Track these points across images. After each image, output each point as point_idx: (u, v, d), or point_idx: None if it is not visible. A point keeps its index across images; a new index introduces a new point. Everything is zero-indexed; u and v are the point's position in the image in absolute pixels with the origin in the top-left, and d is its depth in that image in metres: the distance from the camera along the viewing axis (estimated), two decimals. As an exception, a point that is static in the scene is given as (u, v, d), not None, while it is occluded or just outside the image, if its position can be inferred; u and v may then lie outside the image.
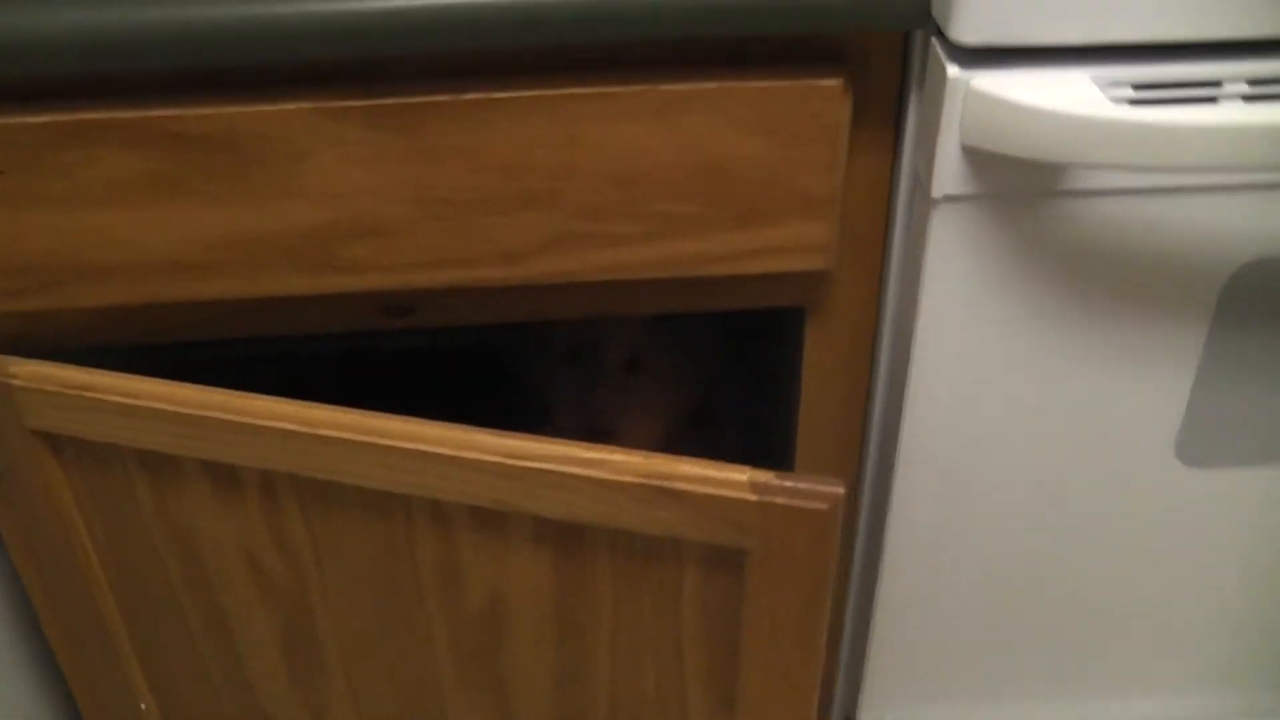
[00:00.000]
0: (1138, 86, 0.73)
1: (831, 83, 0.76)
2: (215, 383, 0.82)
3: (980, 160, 0.75)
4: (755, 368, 1.18)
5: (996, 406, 0.86)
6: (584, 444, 0.77)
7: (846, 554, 1.00)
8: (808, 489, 0.73)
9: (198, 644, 0.93)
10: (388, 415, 0.79)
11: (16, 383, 0.80)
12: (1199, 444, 0.89)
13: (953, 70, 0.73)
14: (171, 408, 0.80)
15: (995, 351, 0.83)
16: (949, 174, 0.76)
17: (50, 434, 0.83)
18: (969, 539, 0.92)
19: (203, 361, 0.97)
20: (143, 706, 0.98)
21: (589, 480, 0.76)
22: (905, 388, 0.85)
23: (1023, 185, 0.76)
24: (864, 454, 0.94)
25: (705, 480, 0.75)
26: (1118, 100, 0.73)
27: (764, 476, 0.74)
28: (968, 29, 0.71)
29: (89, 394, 0.80)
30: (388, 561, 0.85)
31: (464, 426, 0.79)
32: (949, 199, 0.77)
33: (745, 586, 0.77)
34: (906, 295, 0.84)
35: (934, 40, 0.74)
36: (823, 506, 0.73)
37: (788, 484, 0.74)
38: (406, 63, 0.75)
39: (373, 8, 0.70)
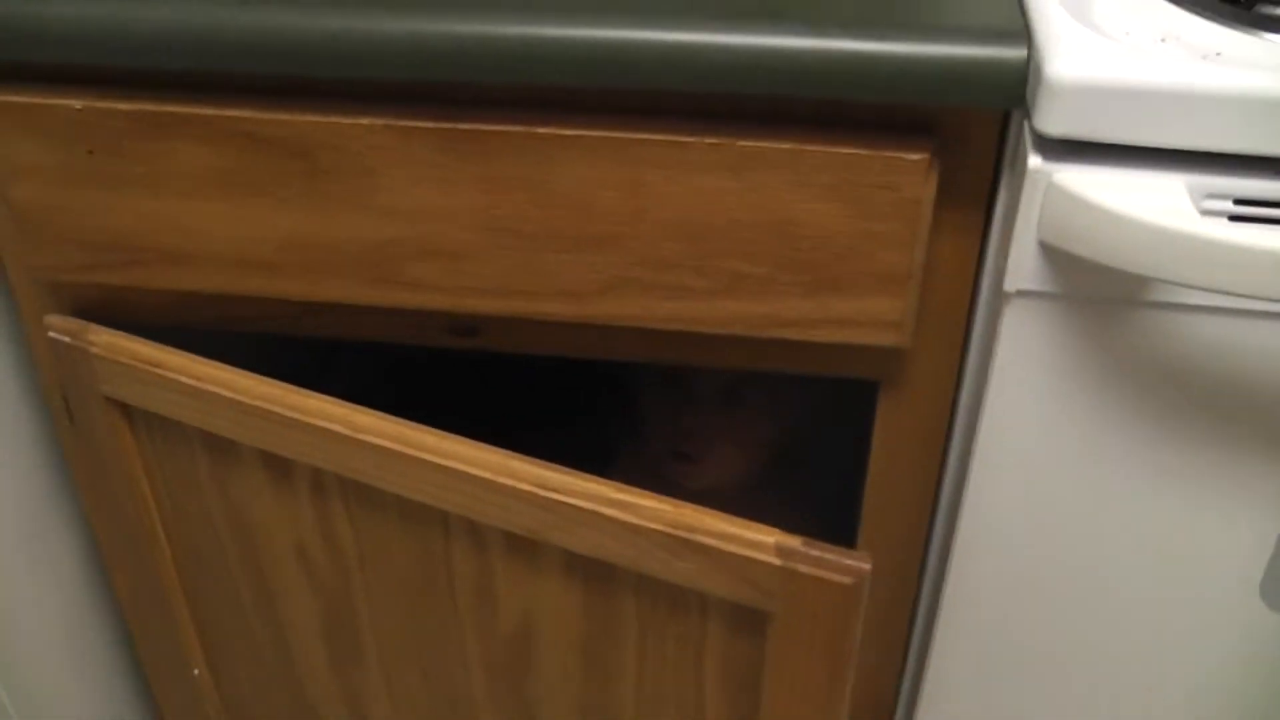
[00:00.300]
0: (1240, 201, 0.65)
1: (916, 157, 0.70)
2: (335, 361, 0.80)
3: (1058, 259, 0.68)
4: (857, 413, 1.13)
5: (1060, 518, 0.77)
6: (615, 485, 0.74)
7: (908, 630, 0.94)
8: (834, 561, 0.69)
9: (248, 620, 0.93)
10: (430, 430, 0.77)
11: (94, 350, 0.81)
12: (1286, 588, 0.79)
13: (1034, 161, 0.66)
14: (232, 395, 0.79)
15: (1062, 460, 0.75)
16: (1024, 269, 0.69)
17: (123, 403, 0.84)
18: (1020, 648, 0.84)
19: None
20: (195, 671, 0.98)
21: (617, 522, 0.73)
22: (966, 481, 0.78)
23: (1103, 290, 0.68)
24: (930, 536, 0.88)
25: (731, 538, 0.71)
26: (1213, 214, 0.65)
27: (791, 542, 0.70)
28: (1052, 118, 0.64)
29: (158, 371, 0.80)
30: (426, 571, 0.83)
31: (502, 451, 0.76)
32: (1022, 294, 0.70)
33: (767, 649, 0.73)
34: (977, 386, 0.77)
35: (1026, 126, 0.68)
36: (847, 580, 0.69)
37: (814, 553, 0.70)
38: (482, 90, 0.72)
39: (450, 33, 0.68)
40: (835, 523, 0.91)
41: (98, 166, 0.75)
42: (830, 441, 1.17)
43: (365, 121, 0.72)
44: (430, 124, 0.71)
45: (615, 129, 0.71)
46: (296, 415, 0.78)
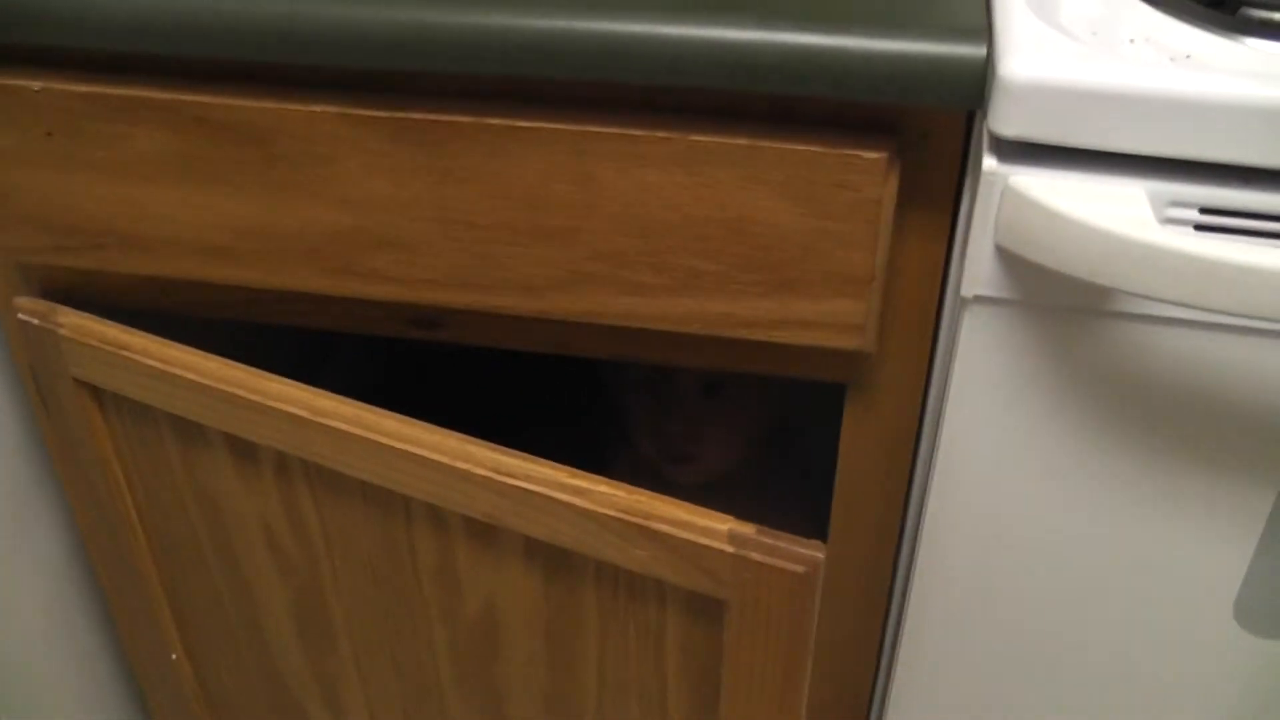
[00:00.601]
0: (1206, 210, 0.60)
1: (874, 156, 0.65)
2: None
3: (1016, 265, 0.63)
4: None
5: (1023, 529, 0.72)
6: (570, 470, 0.71)
7: (882, 633, 0.89)
8: (786, 549, 0.66)
9: (223, 605, 0.90)
10: (389, 414, 0.75)
11: (62, 332, 0.79)
12: (1263, 611, 0.73)
13: (990, 162, 0.61)
14: (197, 378, 0.76)
15: (1024, 470, 0.70)
16: (981, 274, 0.64)
17: (93, 385, 0.81)
18: (987, 654, 0.79)
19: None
20: (173, 656, 0.96)
21: (571, 508, 0.70)
22: (929, 488, 0.74)
23: (1063, 298, 0.63)
24: (902, 540, 0.83)
25: (684, 525, 0.68)
26: (1177, 223, 0.60)
27: (744, 529, 0.67)
28: (1007, 119, 0.59)
29: (124, 353, 0.77)
30: (391, 556, 0.80)
31: (460, 435, 0.74)
32: (980, 300, 0.65)
33: (724, 637, 0.70)
34: (941, 393, 0.73)
35: (985, 126, 0.63)
36: (799, 569, 0.66)
37: (767, 541, 0.67)
38: (433, 80, 0.68)
39: (398, 21, 0.64)
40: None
41: (57, 149, 0.72)
42: (830, 421, 1.13)
43: (318, 109, 0.68)
44: (382, 113, 0.68)
45: (566, 121, 0.67)
46: (259, 398, 0.76)
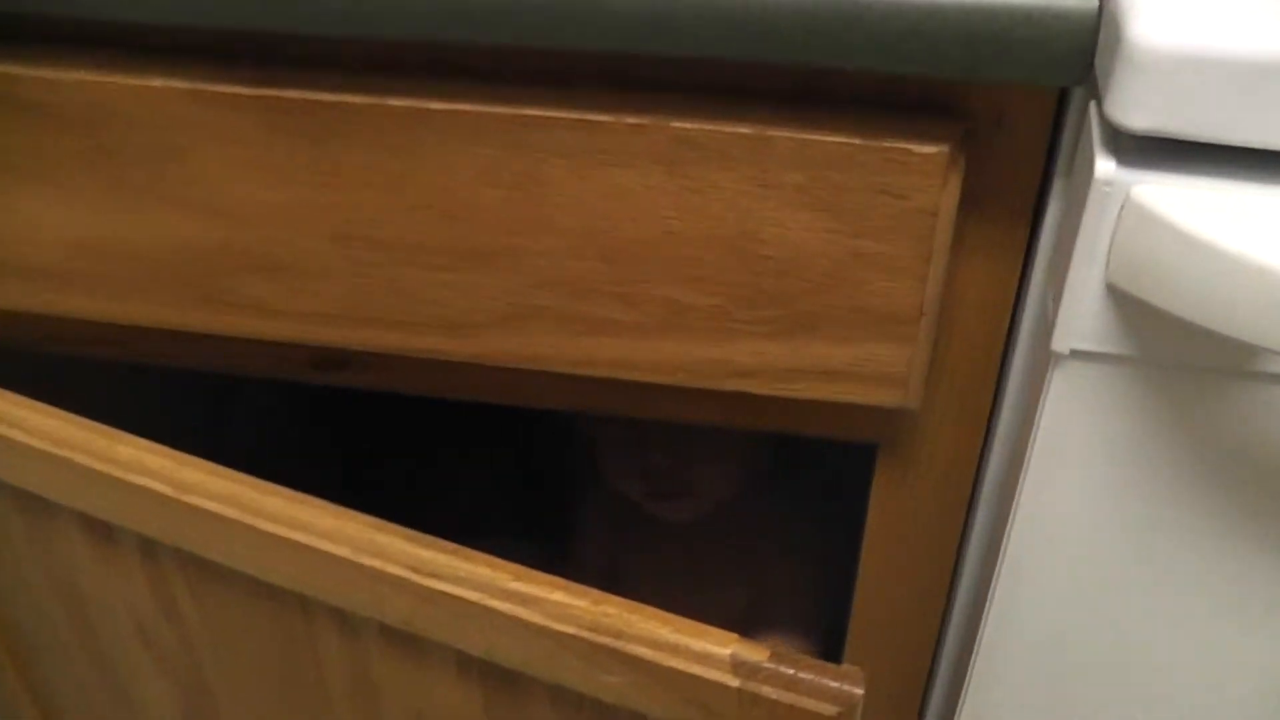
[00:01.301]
0: None
1: (929, 150, 0.46)
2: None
3: (1134, 310, 0.44)
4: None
5: (1127, 650, 0.54)
6: (514, 570, 0.52)
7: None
8: (812, 682, 0.48)
9: (93, 698, 0.72)
10: (275, 489, 0.55)
11: None
12: None
13: (1105, 166, 0.41)
14: (24, 438, 0.57)
15: (1131, 575, 0.51)
16: (1082, 322, 0.45)
17: (-99, 441, 0.63)
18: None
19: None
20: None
21: (516, 621, 0.51)
22: (993, 589, 0.55)
23: (1196, 357, 0.44)
24: (939, 650, 0.64)
25: (671, 649, 0.49)
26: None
27: (754, 655, 0.49)
28: (1135, 104, 0.39)
29: (-74, 402, 0.59)
30: (289, 658, 0.61)
31: (367, 520, 0.54)
32: (1079, 355, 0.46)
33: None
34: (1013, 463, 0.54)
35: (1093, 112, 0.44)
36: (829, 710, 0.48)
37: (785, 671, 0.48)
38: (317, 45, 0.49)
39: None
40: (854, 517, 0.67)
41: None
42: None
43: (158, 84, 0.49)
44: (246, 90, 0.49)
45: (501, 103, 0.48)
46: (107, 468, 0.56)
